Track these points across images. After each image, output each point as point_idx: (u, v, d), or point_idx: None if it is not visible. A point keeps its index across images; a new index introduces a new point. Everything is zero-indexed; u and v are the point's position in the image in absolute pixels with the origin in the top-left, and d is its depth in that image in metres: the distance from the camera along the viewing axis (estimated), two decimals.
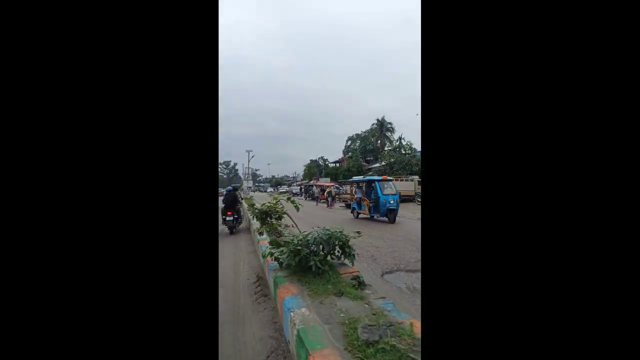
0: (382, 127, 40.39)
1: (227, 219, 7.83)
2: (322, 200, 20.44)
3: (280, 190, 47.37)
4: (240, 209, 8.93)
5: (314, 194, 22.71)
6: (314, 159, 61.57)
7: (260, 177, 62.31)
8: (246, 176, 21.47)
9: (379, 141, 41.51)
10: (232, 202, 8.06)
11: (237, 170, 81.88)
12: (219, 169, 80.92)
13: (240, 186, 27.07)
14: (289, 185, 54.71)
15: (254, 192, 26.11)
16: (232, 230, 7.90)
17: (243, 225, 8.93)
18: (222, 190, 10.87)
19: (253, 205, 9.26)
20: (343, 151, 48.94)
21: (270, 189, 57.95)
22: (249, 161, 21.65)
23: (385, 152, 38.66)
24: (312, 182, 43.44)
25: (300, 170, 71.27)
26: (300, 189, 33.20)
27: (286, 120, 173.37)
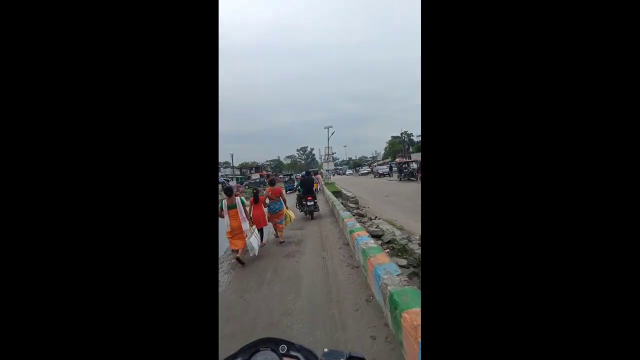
0: None
1: (308, 204, 7.47)
2: None
3: (361, 172, 43.49)
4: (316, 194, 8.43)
5: (412, 172, 17.63)
6: (396, 135, 55.94)
7: (337, 160, 59.76)
8: (326, 157, 17.93)
9: None
10: (310, 187, 7.71)
11: (314, 155, 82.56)
12: (296, 155, 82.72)
13: (318, 170, 24.00)
14: (370, 165, 49.93)
15: (334, 175, 22.22)
16: (312, 215, 7.54)
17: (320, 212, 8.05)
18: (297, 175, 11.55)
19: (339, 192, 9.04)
20: None
21: (349, 171, 54.56)
22: (328, 139, 18.12)
23: None
24: (398, 159, 38.05)
25: (380, 149, 66.65)
26: (391, 167, 27.94)
27: (360, 100, 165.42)
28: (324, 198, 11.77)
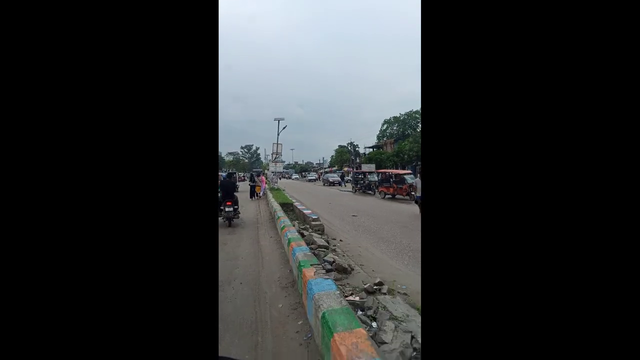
0: None
1: (227, 209, 6.57)
2: (387, 195, 13.25)
3: (309, 178, 41.05)
4: (238, 199, 7.24)
5: (370, 185, 15.48)
6: (342, 144, 55.42)
7: (284, 162, 56.73)
8: (274, 156, 14.61)
9: None
10: (231, 191, 6.86)
11: (259, 154, 78.75)
12: (240, 153, 77.70)
13: (262, 172, 20.51)
14: (318, 172, 47.88)
15: (280, 179, 18.90)
16: (231, 222, 6.66)
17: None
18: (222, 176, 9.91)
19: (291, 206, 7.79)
20: (378, 136, 44.27)
21: (295, 176, 51.79)
22: (278, 134, 14.87)
23: None
24: (346, 168, 36.63)
25: (327, 157, 65.99)
26: (343, 176, 25.76)
27: (310, 106, 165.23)
28: (268, 210, 8.58)
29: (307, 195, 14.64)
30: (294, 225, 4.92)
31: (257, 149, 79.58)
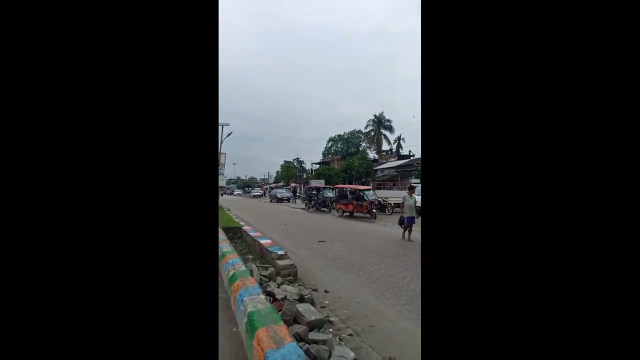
0: (380, 124, 33.25)
1: None
2: (346, 213, 11.83)
3: (254, 194, 38.03)
4: None
5: (325, 202, 13.90)
6: (288, 160, 54.00)
7: (226, 177, 52.08)
8: (218, 168, 12.19)
9: (375, 139, 34.40)
10: None
11: None
12: None
13: None
14: (263, 187, 44.92)
15: (222, 195, 15.96)
16: None
17: None
18: None
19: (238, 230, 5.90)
20: (323, 153, 44.48)
21: (238, 191, 47.89)
22: (221, 142, 12.24)
23: (385, 152, 33.38)
24: (293, 184, 34.91)
25: (272, 171, 63.85)
26: (295, 192, 23.68)
27: (251, 121, 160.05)
28: None
29: (256, 215, 12.31)
30: (250, 271, 2.93)
31: None
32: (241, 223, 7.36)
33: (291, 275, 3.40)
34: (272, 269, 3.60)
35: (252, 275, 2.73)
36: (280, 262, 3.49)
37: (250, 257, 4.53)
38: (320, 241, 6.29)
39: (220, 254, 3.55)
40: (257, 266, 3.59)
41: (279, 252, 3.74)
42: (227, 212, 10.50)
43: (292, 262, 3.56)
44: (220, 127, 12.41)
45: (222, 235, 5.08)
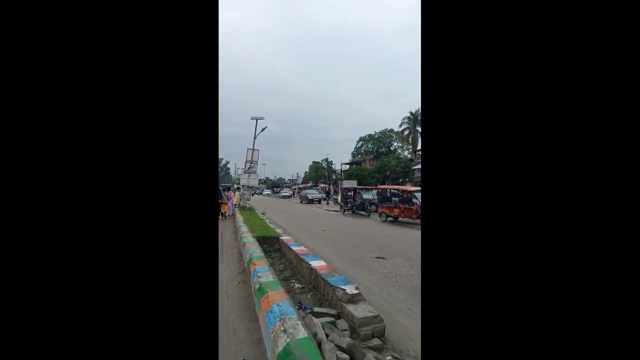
0: (416, 122, 30.94)
1: None
2: (390, 218, 10.23)
3: (283, 194, 37.38)
4: None
5: (364, 204, 12.38)
6: (316, 160, 53.02)
7: (257, 176, 52.45)
8: (248, 165, 10.94)
9: (410, 137, 32.14)
10: None
11: (228, 169, 74.57)
12: None
13: (232, 186, 16.68)
14: (292, 188, 44.25)
15: (252, 194, 15.00)
16: None
17: None
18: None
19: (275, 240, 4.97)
20: (353, 153, 43.32)
21: (267, 191, 47.68)
22: (255, 137, 11.23)
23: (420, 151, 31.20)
24: (322, 185, 33.69)
25: (300, 172, 63.37)
26: (328, 193, 22.38)
27: (281, 122, 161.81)
28: (237, 247, 5.07)
29: (289, 217, 11.10)
30: (312, 336, 1.58)
31: (227, 162, 75.38)
32: (278, 230, 6.09)
33: (375, 336, 2.00)
34: (334, 312, 2.23)
35: (316, 344, 1.39)
36: (356, 311, 2.09)
37: (297, 285, 3.20)
38: (377, 257, 4.84)
39: (257, 286, 2.26)
40: (317, 310, 2.23)
41: (348, 290, 2.34)
42: (262, 216, 9.24)
43: (372, 311, 2.14)
44: (255, 122, 11.36)
45: (255, 247, 3.83)
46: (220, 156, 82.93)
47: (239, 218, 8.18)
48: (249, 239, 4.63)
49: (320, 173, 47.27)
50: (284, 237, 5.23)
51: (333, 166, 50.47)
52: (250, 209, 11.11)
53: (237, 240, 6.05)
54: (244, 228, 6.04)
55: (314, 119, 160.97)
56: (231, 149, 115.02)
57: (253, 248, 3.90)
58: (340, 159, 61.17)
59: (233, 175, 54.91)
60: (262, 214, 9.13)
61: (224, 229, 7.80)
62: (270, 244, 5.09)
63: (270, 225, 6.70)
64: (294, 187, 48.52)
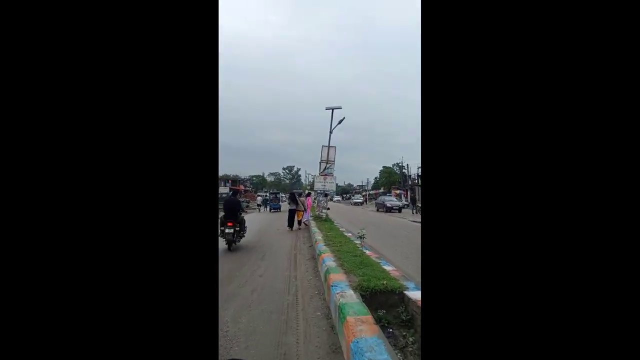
0: None
1: (227, 231, 5.56)
2: None
3: (355, 201, 34.77)
4: (244, 218, 6.30)
5: None
6: (387, 165, 48.88)
7: (335, 178, 51.40)
8: (324, 165, 8.71)
9: None
10: (234, 210, 5.81)
11: (299, 175, 76.09)
12: (282, 174, 76.25)
13: (303, 192, 14.78)
14: (364, 194, 41.32)
15: (328, 201, 12.60)
16: (231, 245, 5.62)
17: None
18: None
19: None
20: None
21: (337, 198, 45.74)
22: (331, 131, 8.83)
23: None
24: (397, 191, 29.79)
25: (369, 178, 60.04)
26: (414, 200, 18.70)
27: (345, 129, 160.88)
28: (316, 281, 2.47)
29: (379, 233, 8.17)
30: None
31: (298, 170, 77.10)
32: (393, 272, 3.24)
33: None
34: None
35: None
36: None
37: None
38: None
39: None
40: None
41: None
42: (358, 244, 4.98)
43: None
44: (330, 111, 8.94)
45: (371, 339, 1.14)
46: (291, 164, 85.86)
47: (318, 237, 5.70)
48: (348, 303, 2.02)
49: (393, 178, 43.09)
50: (411, 293, 2.43)
51: (405, 171, 45.69)
52: (328, 220, 8.67)
53: (317, 278, 3.54)
54: (329, 262, 3.47)
55: (377, 124, 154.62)
56: (303, 157, 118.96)
57: (367, 340, 1.24)
58: (409, 162, 55.37)
59: (304, 182, 55.19)
60: (360, 237, 5.36)
61: (299, 242, 5.44)
62: (386, 303, 2.38)
63: (376, 261, 3.92)
64: (364, 193, 45.52)
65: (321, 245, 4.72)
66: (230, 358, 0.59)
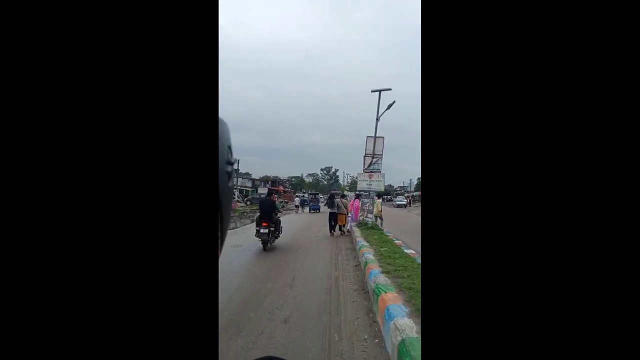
0: None
1: (262, 231, 5.59)
2: None
3: (398, 203, 32.32)
4: (280, 219, 6.29)
5: None
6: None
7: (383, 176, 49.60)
8: (369, 161, 7.08)
9: None
10: (268, 211, 5.80)
11: (337, 176, 75.02)
12: (320, 175, 75.93)
13: (341, 194, 13.25)
14: (406, 196, 38.51)
15: (375, 200, 10.90)
16: (266, 245, 5.67)
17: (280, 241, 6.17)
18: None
19: None
20: None
21: (376, 199, 43.45)
22: (377, 119, 7.22)
23: None
24: None
25: (412, 179, 56.55)
26: None
27: (386, 128, 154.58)
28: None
29: None
30: None
31: (336, 170, 75.97)
32: None
33: None
34: None
35: None
36: None
37: None
38: None
39: None
40: None
41: None
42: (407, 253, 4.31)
43: None
44: (377, 93, 7.26)
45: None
46: (329, 164, 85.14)
47: (368, 257, 4.13)
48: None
49: None
50: None
51: None
52: (375, 228, 7.02)
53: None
54: (396, 310, 1.92)
55: (414, 123, 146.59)
56: (342, 157, 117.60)
57: None
58: None
59: (342, 184, 53.83)
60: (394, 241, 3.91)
61: (340, 258, 3.94)
62: None
63: None
64: (407, 194, 42.52)
65: (377, 272, 3.18)
66: (266, 355, 0.39)
